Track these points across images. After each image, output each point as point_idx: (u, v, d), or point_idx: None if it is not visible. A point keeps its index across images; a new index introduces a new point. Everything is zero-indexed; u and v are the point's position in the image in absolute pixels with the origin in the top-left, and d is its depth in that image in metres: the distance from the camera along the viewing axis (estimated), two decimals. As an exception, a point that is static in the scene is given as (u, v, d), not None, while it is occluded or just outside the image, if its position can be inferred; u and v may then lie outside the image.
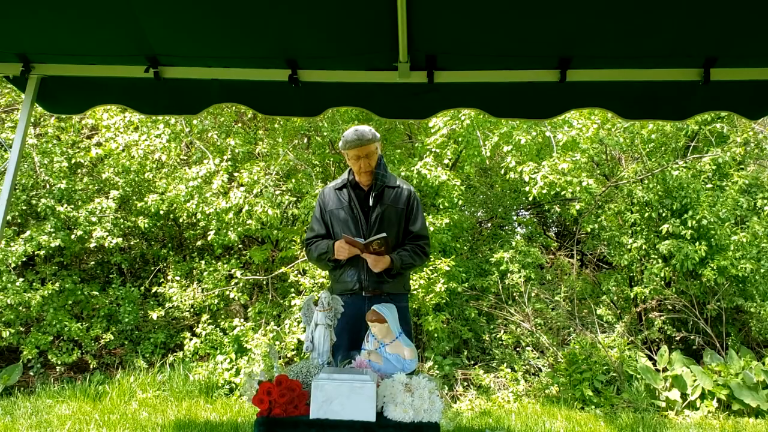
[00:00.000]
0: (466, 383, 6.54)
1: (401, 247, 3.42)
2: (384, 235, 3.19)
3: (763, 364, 6.33)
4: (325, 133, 7.01)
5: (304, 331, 2.82)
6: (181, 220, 7.06)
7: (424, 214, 6.58)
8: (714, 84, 3.01)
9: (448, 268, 6.36)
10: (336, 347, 2.88)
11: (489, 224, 9.16)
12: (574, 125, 6.59)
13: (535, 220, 10.21)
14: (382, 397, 2.33)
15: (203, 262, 7.37)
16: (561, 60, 2.97)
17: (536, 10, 2.62)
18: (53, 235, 6.53)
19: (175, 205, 6.66)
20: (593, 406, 6.02)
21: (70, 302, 6.95)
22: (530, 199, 7.03)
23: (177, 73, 3.16)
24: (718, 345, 6.80)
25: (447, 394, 6.32)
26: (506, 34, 2.81)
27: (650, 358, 6.76)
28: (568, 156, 6.45)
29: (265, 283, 7.32)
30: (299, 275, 6.74)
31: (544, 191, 6.29)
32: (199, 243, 7.51)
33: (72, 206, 6.86)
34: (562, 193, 6.41)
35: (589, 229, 8.26)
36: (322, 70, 3.14)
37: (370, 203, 3.42)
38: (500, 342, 7.11)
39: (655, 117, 3.54)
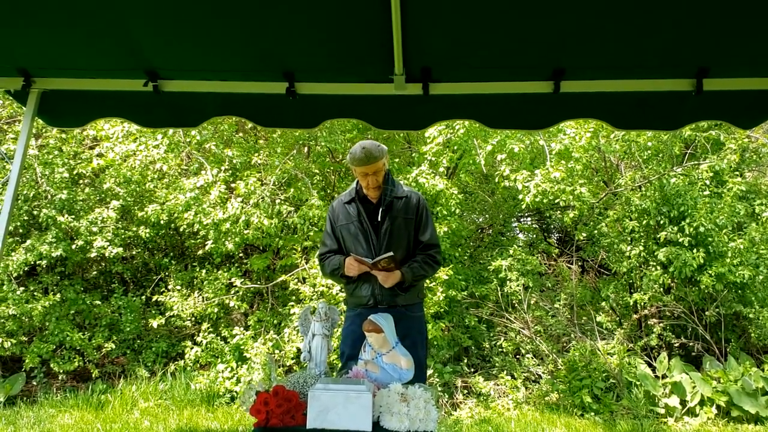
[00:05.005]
0: (466, 391, 6.54)
1: (412, 259, 3.37)
2: (391, 254, 3.13)
3: (763, 370, 6.33)
4: (323, 143, 7.04)
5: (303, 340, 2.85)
6: (181, 229, 7.10)
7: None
8: (706, 94, 3.03)
9: (446, 277, 6.38)
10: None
11: (490, 231, 9.17)
12: (567, 134, 6.63)
13: (536, 226, 10.23)
14: (378, 406, 2.36)
15: (204, 270, 7.40)
16: (555, 71, 3.01)
17: (530, 22, 2.66)
18: (54, 245, 6.58)
19: (175, 214, 6.70)
20: (592, 413, 6.02)
21: (73, 312, 7.00)
22: (523, 207, 7.06)
23: (176, 87, 3.20)
24: (717, 351, 6.80)
25: (447, 402, 6.32)
26: (501, 45, 2.84)
27: (649, 365, 6.76)
28: (561, 165, 6.49)
29: (265, 291, 7.35)
30: (299, 283, 6.76)
31: (537, 199, 6.33)
32: (200, 252, 7.54)
33: (73, 216, 6.91)
34: (556, 201, 6.45)
35: (581, 237, 8.27)
36: (319, 82, 3.17)
37: (379, 218, 3.37)
38: (500, 349, 7.11)
39: (648, 127, 3.58)
